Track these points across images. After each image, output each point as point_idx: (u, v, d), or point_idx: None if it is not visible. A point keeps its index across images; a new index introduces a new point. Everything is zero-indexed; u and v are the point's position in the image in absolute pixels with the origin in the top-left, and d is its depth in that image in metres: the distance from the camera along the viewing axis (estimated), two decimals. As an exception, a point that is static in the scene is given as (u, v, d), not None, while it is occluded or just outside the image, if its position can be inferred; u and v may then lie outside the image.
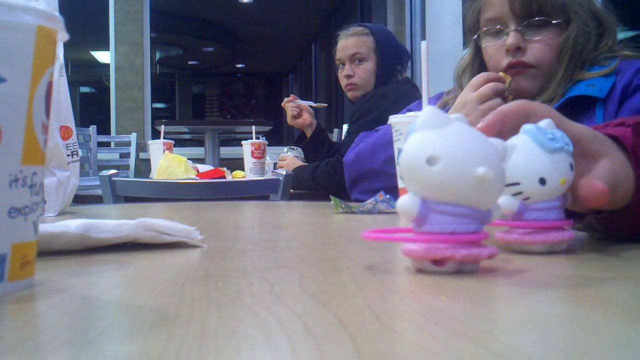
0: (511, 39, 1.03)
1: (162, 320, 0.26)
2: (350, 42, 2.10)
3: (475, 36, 1.12)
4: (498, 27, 1.06)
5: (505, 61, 1.05)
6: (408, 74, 2.23)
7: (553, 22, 1.03)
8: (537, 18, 1.03)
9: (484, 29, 1.09)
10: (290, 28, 8.27)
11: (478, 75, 1.01)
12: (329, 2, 7.24)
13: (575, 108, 1.00)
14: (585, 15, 1.03)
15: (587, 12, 1.04)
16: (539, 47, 1.04)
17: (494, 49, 1.08)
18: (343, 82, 2.15)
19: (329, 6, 7.29)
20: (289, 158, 2.18)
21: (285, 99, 2.25)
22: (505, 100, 0.99)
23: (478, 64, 1.14)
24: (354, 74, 2.11)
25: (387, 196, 0.90)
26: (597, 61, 1.03)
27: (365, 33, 2.10)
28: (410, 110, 1.26)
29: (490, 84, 0.98)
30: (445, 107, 1.14)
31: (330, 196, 0.97)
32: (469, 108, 0.98)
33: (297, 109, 2.21)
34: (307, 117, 2.21)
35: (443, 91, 1.29)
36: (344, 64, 2.14)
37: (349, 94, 2.16)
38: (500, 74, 1.00)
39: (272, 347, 0.22)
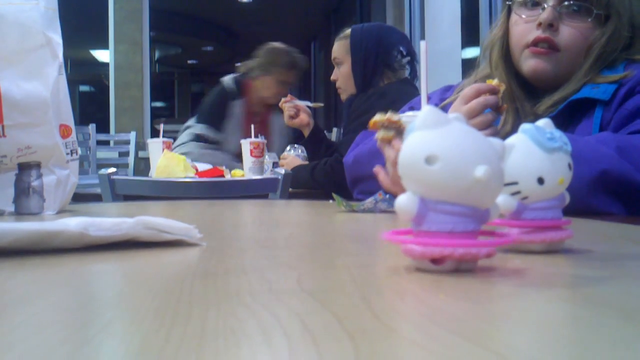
0: (546, 14, 1.00)
1: (161, 319, 0.26)
2: (334, 46, 2.13)
3: (510, 2, 1.08)
4: None
5: (533, 35, 1.02)
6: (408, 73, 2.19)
7: (594, 12, 0.99)
8: (579, 2, 1.00)
9: None
10: (289, 27, 8.26)
11: (469, 87, 0.96)
12: (328, 1, 7.23)
13: (576, 109, 0.99)
14: (625, 18, 1.00)
15: (628, 16, 1.01)
16: (572, 32, 1.01)
17: (525, 21, 1.04)
18: None
19: (328, 6, 7.29)
20: (290, 157, 2.18)
21: (283, 99, 2.25)
22: (499, 111, 0.95)
23: (507, 40, 1.09)
24: (337, 77, 2.14)
25: (387, 196, 0.89)
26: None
27: (347, 36, 2.10)
28: (412, 106, 1.24)
29: (480, 99, 0.93)
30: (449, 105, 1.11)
31: (333, 194, 0.96)
32: None
33: (295, 109, 2.21)
34: (304, 117, 2.21)
35: (451, 84, 1.26)
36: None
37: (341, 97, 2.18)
38: (494, 82, 0.95)
39: (271, 345, 0.22)
